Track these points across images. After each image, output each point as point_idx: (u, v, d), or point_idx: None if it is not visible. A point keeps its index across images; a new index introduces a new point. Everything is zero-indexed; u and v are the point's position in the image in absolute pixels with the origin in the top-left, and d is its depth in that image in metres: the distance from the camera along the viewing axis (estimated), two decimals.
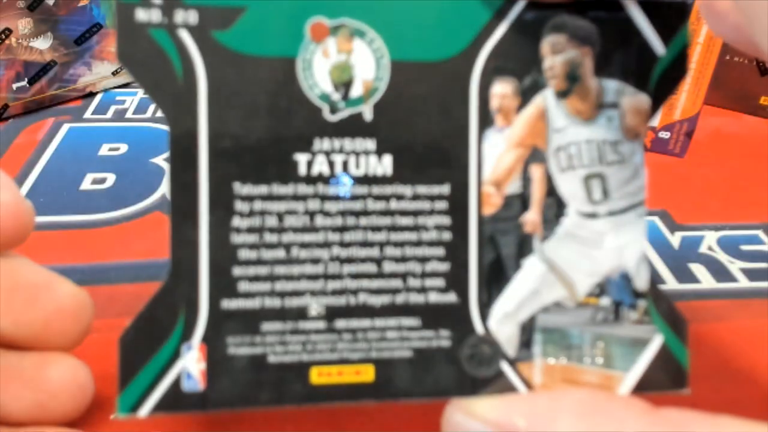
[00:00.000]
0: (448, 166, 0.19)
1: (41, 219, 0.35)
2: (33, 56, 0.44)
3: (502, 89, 0.19)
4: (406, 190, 0.19)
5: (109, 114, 0.47)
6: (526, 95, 0.19)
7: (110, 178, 0.39)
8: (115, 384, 0.26)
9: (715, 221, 0.38)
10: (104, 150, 0.42)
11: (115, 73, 0.50)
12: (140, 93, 0.50)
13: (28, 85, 0.45)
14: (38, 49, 0.45)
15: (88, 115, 0.46)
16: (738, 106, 0.51)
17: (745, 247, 0.36)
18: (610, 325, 0.20)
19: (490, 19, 0.19)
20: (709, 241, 0.36)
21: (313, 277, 0.19)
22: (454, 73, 0.19)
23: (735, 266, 0.34)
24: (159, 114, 0.47)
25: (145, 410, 0.18)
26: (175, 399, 0.18)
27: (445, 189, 0.19)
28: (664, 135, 0.44)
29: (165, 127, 0.44)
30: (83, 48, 0.47)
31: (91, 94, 0.49)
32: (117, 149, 0.42)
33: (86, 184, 0.38)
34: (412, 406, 0.25)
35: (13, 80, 0.44)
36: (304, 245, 0.19)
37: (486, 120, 0.19)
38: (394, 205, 0.19)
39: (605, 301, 0.20)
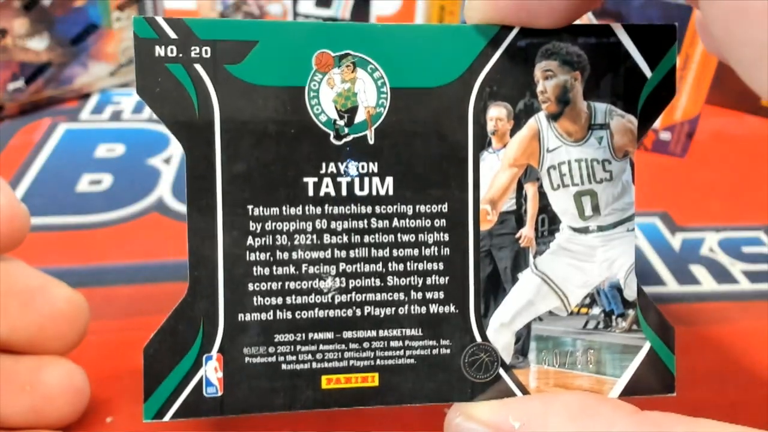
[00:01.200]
0: (447, 186, 0.20)
1: (37, 220, 0.34)
2: (29, 57, 0.44)
3: (497, 113, 0.20)
4: (408, 209, 0.20)
5: (106, 115, 0.46)
6: (519, 118, 0.21)
7: (107, 180, 0.39)
8: (111, 386, 0.25)
9: (716, 223, 0.38)
10: (101, 151, 0.42)
11: (112, 74, 0.49)
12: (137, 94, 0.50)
13: (24, 86, 0.45)
14: (34, 49, 0.44)
15: (84, 115, 0.46)
16: (739, 107, 0.51)
17: (746, 249, 0.36)
18: (601, 333, 0.21)
19: (485, 47, 0.20)
20: (710, 242, 0.36)
21: (322, 291, 0.20)
22: (451, 98, 0.20)
23: (736, 268, 0.34)
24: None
25: (168, 416, 0.20)
26: (196, 405, 0.20)
27: (444, 207, 0.20)
28: (665, 136, 0.44)
29: (162, 129, 0.44)
30: (79, 48, 0.47)
31: (88, 95, 0.49)
32: (113, 150, 0.42)
33: (83, 186, 0.38)
34: (412, 408, 0.25)
35: (8, 81, 0.44)
36: (313, 262, 0.20)
37: (482, 142, 0.21)
38: (396, 223, 0.20)
39: (596, 310, 0.21)
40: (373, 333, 0.20)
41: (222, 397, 0.20)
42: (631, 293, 0.21)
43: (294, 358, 0.20)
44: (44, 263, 0.31)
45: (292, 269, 0.20)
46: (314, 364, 0.20)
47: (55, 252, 0.33)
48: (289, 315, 0.20)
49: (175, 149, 0.42)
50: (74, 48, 0.46)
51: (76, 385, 0.22)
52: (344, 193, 0.20)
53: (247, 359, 0.20)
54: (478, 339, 0.21)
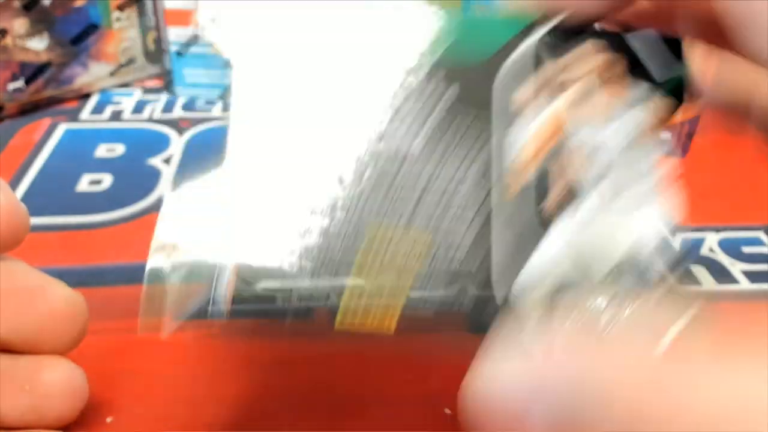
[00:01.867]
0: (476, 150, 0.21)
1: (37, 220, 0.34)
2: (29, 57, 0.44)
3: (526, 93, 0.22)
4: (436, 169, 0.21)
5: (106, 115, 0.46)
6: (545, 100, 0.22)
7: (107, 179, 0.39)
8: (111, 386, 0.25)
9: (716, 223, 0.38)
10: (101, 151, 0.42)
11: (112, 74, 0.49)
12: (137, 93, 0.50)
13: (24, 86, 0.45)
14: (34, 49, 0.44)
15: (84, 115, 0.46)
16: None
17: (746, 249, 0.36)
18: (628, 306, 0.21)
19: (516, 36, 0.22)
20: (710, 242, 0.36)
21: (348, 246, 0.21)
22: (485, 74, 0.21)
23: (736, 268, 0.34)
24: (156, 114, 0.46)
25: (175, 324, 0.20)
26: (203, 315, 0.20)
27: (472, 171, 0.21)
28: (665, 136, 0.44)
29: (162, 128, 0.44)
30: (79, 48, 0.47)
31: (88, 95, 0.49)
32: (113, 150, 0.42)
33: (83, 186, 0.38)
34: (412, 407, 0.25)
35: (8, 81, 0.44)
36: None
37: (510, 119, 0.21)
38: (424, 183, 0.21)
39: (623, 284, 0.21)
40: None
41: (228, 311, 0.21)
42: (656, 270, 0.21)
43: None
44: (44, 263, 0.31)
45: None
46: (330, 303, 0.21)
47: (55, 252, 0.33)
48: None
49: (175, 149, 0.42)
50: (74, 48, 0.46)
51: (75, 384, 0.22)
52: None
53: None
54: (500, 301, 0.21)
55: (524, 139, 0.22)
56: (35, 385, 0.21)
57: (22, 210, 0.21)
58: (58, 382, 0.22)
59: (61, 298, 0.22)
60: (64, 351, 0.22)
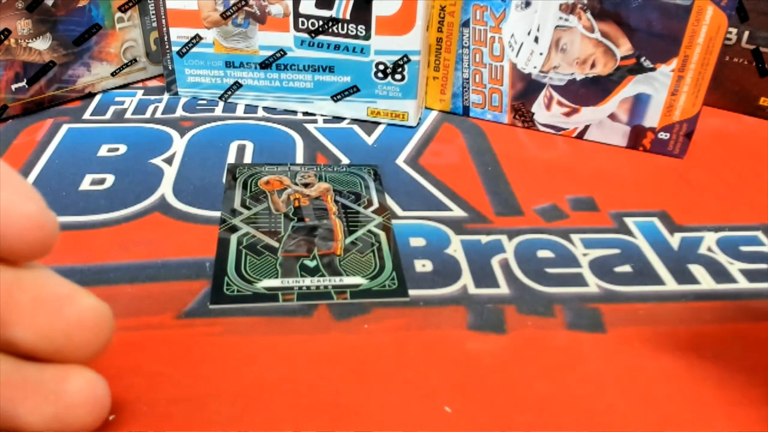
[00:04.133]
0: None
1: None
2: (32, 57, 0.44)
3: None
4: None
5: (108, 115, 0.47)
6: None
7: (109, 179, 0.39)
8: (113, 384, 0.26)
9: (714, 222, 0.38)
10: (103, 151, 0.42)
11: (114, 74, 0.50)
12: (139, 94, 0.50)
13: (27, 86, 0.45)
14: (37, 49, 0.45)
15: (87, 115, 0.46)
16: (737, 107, 0.51)
17: (744, 248, 0.36)
18: None
19: None
20: (709, 242, 0.36)
21: None
22: None
23: (734, 267, 0.34)
24: (157, 115, 0.47)
25: None
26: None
27: None
28: (664, 136, 0.44)
29: (164, 128, 0.44)
30: (82, 49, 0.47)
31: (90, 95, 0.49)
32: (116, 150, 0.42)
33: (85, 185, 0.38)
34: (412, 407, 0.25)
35: (12, 81, 0.44)
36: None
37: None
38: None
39: None
40: None
41: None
42: None
43: None
44: (47, 262, 0.31)
45: None
46: None
47: (58, 251, 0.33)
48: None
49: (177, 149, 0.42)
50: (77, 48, 0.47)
51: (98, 395, 0.22)
52: None
53: None
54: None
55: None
56: (60, 395, 0.21)
57: (52, 218, 0.21)
58: (82, 392, 0.22)
59: (89, 307, 0.22)
60: (88, 360, 0.22)
